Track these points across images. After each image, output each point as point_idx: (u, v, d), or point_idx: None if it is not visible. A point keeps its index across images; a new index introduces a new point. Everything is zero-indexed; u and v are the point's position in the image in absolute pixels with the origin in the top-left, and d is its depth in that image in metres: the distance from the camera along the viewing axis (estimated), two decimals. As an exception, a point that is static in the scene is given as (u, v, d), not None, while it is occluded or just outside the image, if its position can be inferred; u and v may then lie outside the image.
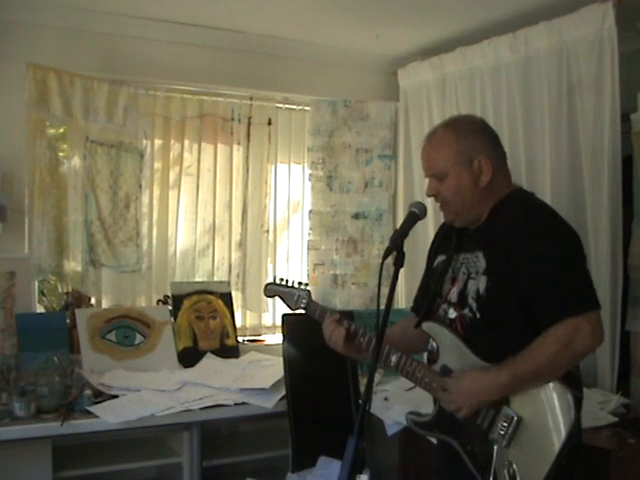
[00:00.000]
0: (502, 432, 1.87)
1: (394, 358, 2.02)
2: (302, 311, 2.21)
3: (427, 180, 2.06)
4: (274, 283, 2.29)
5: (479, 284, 1.94)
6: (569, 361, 1.85)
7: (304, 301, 2.19)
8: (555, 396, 1.83)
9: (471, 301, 1.96)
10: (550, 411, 1.83)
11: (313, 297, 2.22)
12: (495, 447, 1.87)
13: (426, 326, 2.04)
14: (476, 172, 1.97)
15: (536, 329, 1.84)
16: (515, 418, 1.86)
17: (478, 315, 1.95)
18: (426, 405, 2.08)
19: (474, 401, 1.88)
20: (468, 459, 1.93)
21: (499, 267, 1.91)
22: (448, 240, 2.11)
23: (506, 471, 1.85)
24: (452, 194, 1.98)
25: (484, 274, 1.94)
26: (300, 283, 2.23)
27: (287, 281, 2.25)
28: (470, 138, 1.98)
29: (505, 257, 1.89)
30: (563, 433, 1.79)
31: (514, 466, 1.84)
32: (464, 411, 1.90)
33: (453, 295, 2.03)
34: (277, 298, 2.29)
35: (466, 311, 1.98)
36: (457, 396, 1.91)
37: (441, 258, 2.12)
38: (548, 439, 1.81)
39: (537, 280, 1.85)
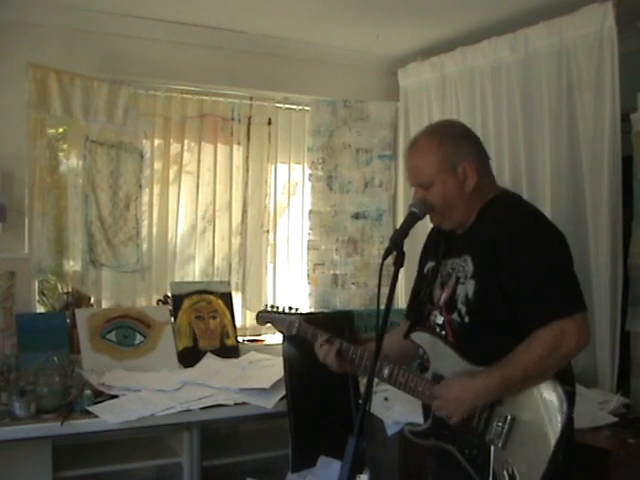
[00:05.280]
0: (497, 432, 1.87)
1: (387, 370, 2.02)
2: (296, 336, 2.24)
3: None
4: (266, 311, 2.34)
5: (468, 288, 1.94)
6: (556, 363, 1.85)
7: (296, 325, 2.22)
8: (547, 392, 1.83)
9: (460, 306, 1.97)
10: (543, 407, 1.83)
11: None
12: (492, 448, 1.87)
13: (415, 336, 2.05)
14: (461, 178, 1.97)
15: (523, 332, 1.85)
16: (509, 417, 1.86)
17: (467, 319, 1.95)
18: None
19: (464, 407, 1.88)
20: (467, 463, 1.93)
21: (487, 271, 1.91)
22: (437, 246, 2.12)
23: (505, 472, 1.85)
24: (439, 201, 1.97)
25: (472, 278, 1.94)
26: (290, 308, 2.28)
27: (278, 308, 2.30)
28: (453, 144, 1.98)
29: (492, 261, 1.90)
30: (558, 428, 1.80)
31: (513, 466, 1.84)
32: (455, 417, 1.90)
33: (442, 301, 2.03)
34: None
35: (454, 316, 1.98)
36: (447, 403, 1.91)
37: (430, 264, 2.13)
38: (543, 435, 1.82)
39: (523, 283, 1.86)
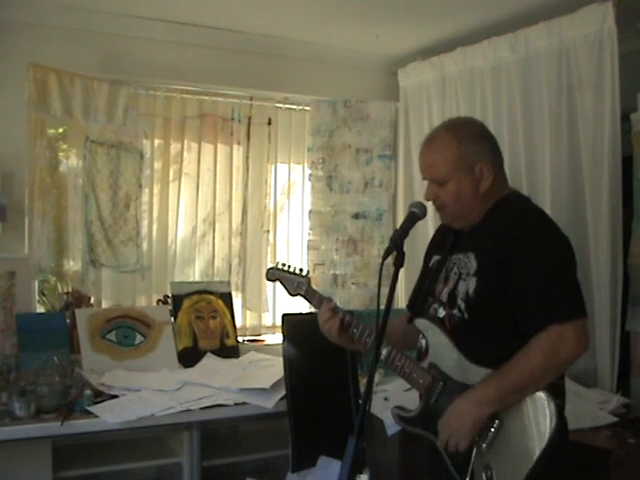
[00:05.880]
0: (483, 434, 1.86)
1: (384, 351, 2.02)
2: (300, 297, 2.24)
3: (425, 182, 2.05)
4: (276, 268, 2.32)
5: (469, 285, 1.94)
6: (555, 370, 1.84)
7: (303, 288, 2.22)
8: (538, 405, 1.82)
9: (460, 302, 1.96)
10: (533, 419, 1.82)
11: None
12: (475, 449, 1.87)
13: (418, 322, 2.04)
14: (477, 178, 1.96)
15: (524, 337, 1.84)
16: (497, 422, 1.85)
17: (466, 315, 1.95)
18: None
19: (468, 422, 1.84)
20: (448, 459, 1.92)
21: (489, 269, 1.91)
22: (445, 240, 2.12)
23: (484, 474, 1.85)
24: (452, 199, 1.97)
25: (474, 275, 1.93)
26: (301, 270, 2.26)
27: (289, 267, 2.28)
28: (472, 143, 1.97)
29: (495, 260, 1.89)
30: (543, 441, 1.79)
31: (492, 470, 1.84)
32: (462, 439, 1.85)
33: (444, 295, 2.03)
34: (278, 287, 2.34)
35: (455, 311, 1.98)
36: (449, 426, 1.88)
37: (436, 258, 2.13)
38: (528, 446, 1.81)
39: (524, 286, 1.85)
